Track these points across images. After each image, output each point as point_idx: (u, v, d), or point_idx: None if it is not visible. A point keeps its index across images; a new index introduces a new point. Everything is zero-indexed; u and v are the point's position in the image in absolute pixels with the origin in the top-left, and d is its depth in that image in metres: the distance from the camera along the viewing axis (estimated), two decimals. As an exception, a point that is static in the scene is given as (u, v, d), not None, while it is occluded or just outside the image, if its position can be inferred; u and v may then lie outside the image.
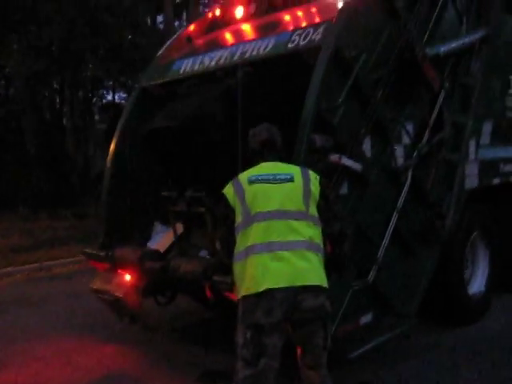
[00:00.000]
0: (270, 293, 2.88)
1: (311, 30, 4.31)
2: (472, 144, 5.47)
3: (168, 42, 6.17)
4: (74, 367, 4.95)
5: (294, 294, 2.91)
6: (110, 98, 23.63)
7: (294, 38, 4.39)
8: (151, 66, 5.92)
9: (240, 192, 3.09)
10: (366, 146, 4.34)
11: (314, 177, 3.21)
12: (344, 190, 4.15)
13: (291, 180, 3.13)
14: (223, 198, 3.16)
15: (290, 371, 3.23)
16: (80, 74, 17.15)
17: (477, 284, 5.77)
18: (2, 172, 16.27)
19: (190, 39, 6.04)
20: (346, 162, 3.99)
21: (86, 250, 5.51)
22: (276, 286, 2.88)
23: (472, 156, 5.47)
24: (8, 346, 5.58)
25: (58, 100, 22.26)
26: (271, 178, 3.12)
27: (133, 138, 5.56)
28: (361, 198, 4.29)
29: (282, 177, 3.13)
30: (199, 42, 5.99)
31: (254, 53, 4.64)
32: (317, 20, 4.78)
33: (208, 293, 4.15)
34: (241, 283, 3.02)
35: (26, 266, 9.84)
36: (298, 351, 3.13)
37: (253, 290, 2.91)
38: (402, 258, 4.74)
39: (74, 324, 6.25)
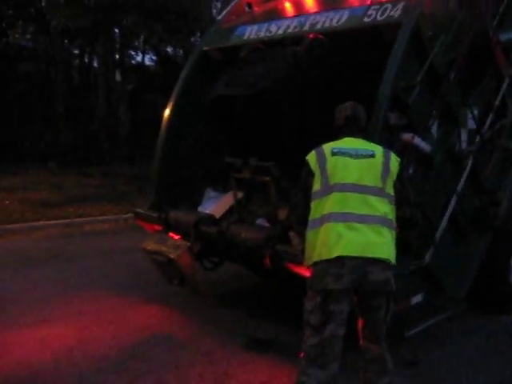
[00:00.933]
0: (340, 260, 2.97)
1: (389, 6, 4.26)
2: (531, 133, 5.43)
3: (228, 7, 6.13)
4: (120, 325, 5.03)
5: (364, 265, 2.99)
6: (138, 59, 23.59)
7: (370, 12, 4.35)
8: (212, 30, 5.90)
9: (322, 161, 3.18)
10: (434, 128, 4.33)
11: (394, 158, 3.28)
12: (410, 170, 4.15)
13: (372, 156, 3.20)
14: (305, 163, 3.24)
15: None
16: (114, 33, 17.13)
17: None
18: (31, 128, 16.37)
19: (250, 6, 5.98)
20: (418, 142, 3.99)
21: (138, 210, 5.56)
22: (347, 254, 2.97)
23: (529, 145, 5.43)
24: (51, 299, 5.67)
25: (86, 59, 22.33)
26: (353, 152, 3.20)
27: (189, 102, 5.56)
28: (425, 179, 4.29)
29: (364, 152, 3.21)
30: (260, 9, 5.91)
31: (327, 24, 4.62)
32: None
33: (267, 262, 4.20)
34: (313, 250, 3.11)
35: (58, 221, 9.96)
36: (360, 324, 3.22)
37: (325, 256, 3.01)
38: (455, 242, 4.75)
39: (114, 282, 6.33)
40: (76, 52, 23.41)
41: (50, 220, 9.98)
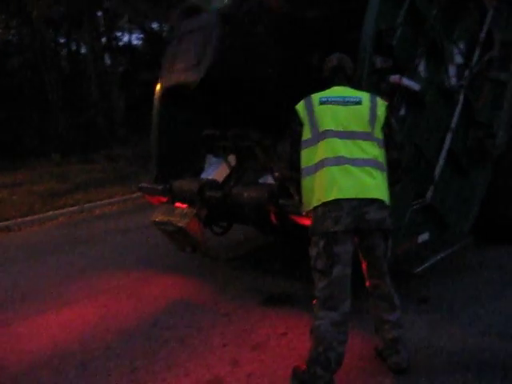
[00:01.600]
0: (337, 202, 3.10)
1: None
2: (520, 62, 5.44)
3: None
4: (139, 298, 5.16)
5: (360, 205, 3.11)
6: (125, 39, 23.45)
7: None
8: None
9: (310, 109, 3.29)
10: (422, 67, 4.36)
11: (381, 103, 3.37)
12: (402, 111, 4.20)
13: (359, 103, 3.30)
14: (294, 112, 3.34)
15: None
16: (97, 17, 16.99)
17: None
18: (28, 122, 16.41)
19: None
20: (406, 82, 4.03)
21: (143, 185, 5.65)
22: (343, 196, 3.10)
23: (520, 74, 5.45)
24: (71, 283, 5.80)
25: (74, 47, 22.22)
26: (340, 100, 3.30)
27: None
28: (418, 118, 4.34)
29: (351, 99, 3.31)
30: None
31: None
32: None
33: (273, 217, 4.30)
34: (311, 195, 3.24)
35: (67, 209, 10.09)
36: (363, 265, 3.37)
37: (322, 199, 3.14)
38: (455, 177, 4.83)
39: (130, 258, 6.47)
40: (62, 41, 23.35)
41: (60, 209, 10.11)
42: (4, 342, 4.50)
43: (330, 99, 3.30)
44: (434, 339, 3.82)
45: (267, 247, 6.21)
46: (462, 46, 4.76)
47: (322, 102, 3.29)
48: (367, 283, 3.41)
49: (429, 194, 4.47)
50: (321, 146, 3.21)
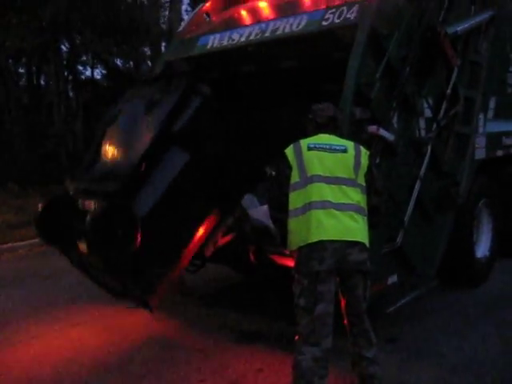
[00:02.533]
0: (322, 244, 3.27)
1: (345, 9, 4.57)
2: (481, 118, 5.86)
3: (188, 18, 6.35)
4: (112, 333, 5.18)
5: (343, 247, 3.30)
6: (88, 73, 23.48)
7: (327, 16, 4.64)
8: (174, 41, 6.11)
9: (299, 154, 3.47)
10: (395, 119, 4.65)
11: (364, 152, 3.60)
12: (377, 159, 4.46)
13: (345, 151, 3.51)
14: (283, 156, 3.50)
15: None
16: (60, 50, 17.05)
17: (482, 248, 6.19)
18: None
19: (208, 15, 6.23)
20: (383, 133, 4.29)
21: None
22: (327, 238, 3.28)
23: (481, 129, 5.87)
24: (40, 315, 5.76)
25: (34, 78, 22.09)
26: (327, 147, 3.51)
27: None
28: (390, 166, 4.60)
29: (337, 147, 3.52)
30: (218, 18, 6.17)
31: (287, 29, 4.87)
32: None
33: (251, 256, 4.44)
34: (296, 236, 3.40)
35: (27, 242, 9.92)
36: (342, 303, 3.52)
37: (308, 241, 3.29)
38: (422, 223, 5.08)
39: (97, 293, 6.38)
40: (21, 71, 23.23)
41: (19, 241, 9.93)
42: (-26, 375, 4.44)
43: (317, 146, 3.50)
44: (405, 377, 4.00)
45: (238, 285, 6.32)
46: (430, 100, 5.09)
47: (310, 148, 3.48)
48: (345, 321, 3.55)
49: (399, 238, 4.71)
50: (308, 189, 3.38)
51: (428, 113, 5.07)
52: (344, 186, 3.41)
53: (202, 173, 4.51)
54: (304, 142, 3.53)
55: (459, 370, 4.08)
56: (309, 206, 3.34)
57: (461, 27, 5.38)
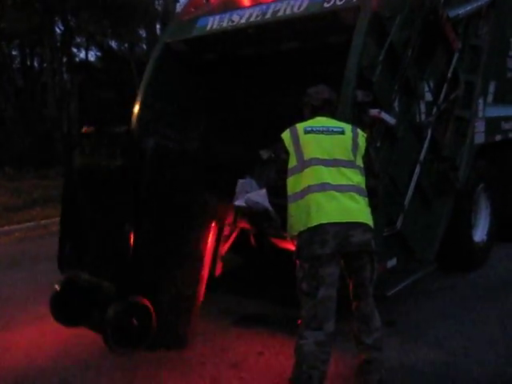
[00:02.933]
0: (323, 227, 3.24)
1: (347, -9, 4.52)
2: (480, 102, 5.86)
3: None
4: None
5: (345, 229, 3.27)
6: (82, 56, 23.31)
7: (329, -3, 4.60)
8: (174, 22, 6.05)
9: (295, 138, 3.44)
10: (396, 102, 4.63)
11: (361, 134, 3.58)
12: (378, 143, 4.45)
13: (342, 133, 3.49)
14: (280, 141, 3.48)
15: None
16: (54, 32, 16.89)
17: (479, 233, 6.22)
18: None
19: (207, -4, 6.15)
20: (384, 116, 4.28)
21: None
22: (328, 221, 3.25)
23: (480, 114, 5.86)
24: (37, 298, 5.62)
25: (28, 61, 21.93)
26: (325, 129, 3.48)
27: (157, 94, 5.70)
28: (391, 150, 4.60)
29: (335, 129, 3.50)
30: (217, 0, 6.10)
31: (288, 11, 4.83)
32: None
33: (252, 239, 4.44)
34: (297, 221, 3.37)
35: (24, 225, 9.90)
36: (350, 286, 3.50)
37: (308, 225, 3.27)
38: (422, 207, 5.10)
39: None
40: (14, 53, 23.06)
41: (15, 224, 9.91)
42: (-26, 357, 4.44)
43: (314, 129, 3.47)
44: (405, 360, 4.04)
45: (238, 268, 6.32)
46: (431, 84, 5.07)
47: (306, 131, 3.45)
48: (352, 304, 3.53)
49: (399, 222, 4.72)
50: (306, 173, 3.35)
51: (428, 96, 5.06)
52: (343, 168, 3.38)
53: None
54: (300, 126, 3.51)
55: (459, 353, 4.11)
56: (307, 190, 3.32)
57: (462, 10, 5.36)
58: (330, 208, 3.28)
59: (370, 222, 3.40)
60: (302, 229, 3.32)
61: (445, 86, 5.24)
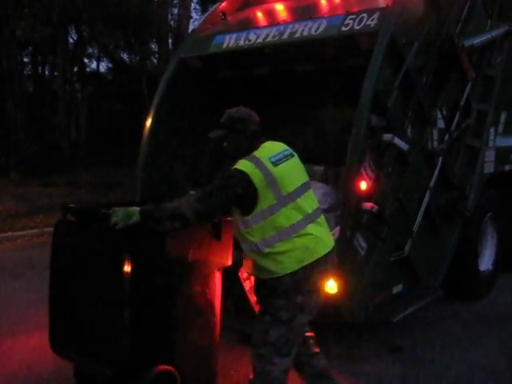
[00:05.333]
0: (323, 258, 3.12)
1: (365, 16, 4.56)
2: (491, 132, 5.87)
3: (204, 17, 6.34)
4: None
5: (331, 254, 3.20)
6: (93, 66, 23.50)
7: (347, 21, 4.63)
8: (190, 39, 6.08)
9: (269, 175, 3.02)
10: (409, 128, 4.65)
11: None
12: (389, 168, 4.46)
13: (292, 155, 3.27)
14: (244, 176, 2.99)
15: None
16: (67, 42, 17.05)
17: (485, 262, 6.20)
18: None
19: (224, 15, 6.22)
20: (397, 141, 4.29)
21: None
22: (327, 251, 3.16)
23: (491, 143, 5.87)
24: (40, 307, 5.61)
25: (39, 68, 22.11)
26: (282, 156, 3.18)
27: (170, 109, 5.73)
28: (401, 176, 4.60)
29: (286, 153, 3.23)
30: (234, 18, 6.16)
31: (305, 33, 4.86)
32: (364, 6, 5.02)
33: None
34: (289, 258, 3.07)
35: (27, 232, 9.91)
36: None
37: (310, 260, 3.07)
38: (429, 233, 5.09)
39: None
40: (26, 60, 23.27)
41: (19, 231, 9.92)
42: (-26, 363, 4.42)
43: (277, 158, 3.12)
44: (409, 387, 4.00)
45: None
46: (444, 111, 5.09)
47: (274, 163, 3.08)
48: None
49: (407, 248, 4.71)
50: (290, 208, 3.06)
51: (441, 124, 5.07)
52: (308, 192, 3.23)
53: None
54: (263, 158, 3.08)
55: (463, 382, 4.08)
56: (298, 226, 3.08)
57: (477, 40, 5.40)
58: (324, 237, 3.17)
59: None
60: (299, 265, 3.05)
61: (457, 114, 5.26)
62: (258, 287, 3.28)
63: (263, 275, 3.17)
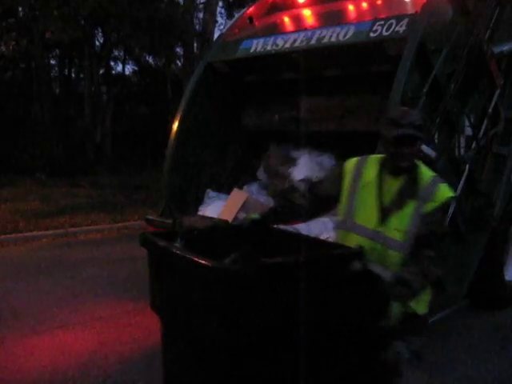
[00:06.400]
0: None
1: (394, 22, 4.54)
2: (520, 140, 5.79)
3: (232, 21, 6.38)
4: (136, 329, 5.19)
5: None
6: (119, 69, 23.73)
7: (375, 27, 4.62)
8: (217, 43, 6.13)
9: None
10: (436, 135, 4.62)
11: None
12: (416, 175, 4.42)
13: None
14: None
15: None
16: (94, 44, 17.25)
17: (511, 272, 6.11)
18: (18, 139, 16.37)
19: (251, 20, 6.24)
20: (425, 149, 4.25)
21: (150, 217, 5.70)
22: None
23: (519, 151, 5.79)
24: (64, 306, 5.82)
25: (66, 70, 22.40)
26: None
27: (196, 113, 5.78)
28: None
29: None
30: (261, 23, 6.19)
31: (333, 39, 4.87)
32: (391, 12, 5.01)
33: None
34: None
35: (51, 231, 10.02)
36: None
37: None
38: (455, 242, 5.03)
39: (121, 289, 6.47)
40: (53, 62, 23.60)
41: (44, 230, 10.04)
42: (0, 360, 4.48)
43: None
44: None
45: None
46: (472, 118, 5.05)
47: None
48: None
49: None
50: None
51: (468, 131, 5.02)
52: None
53: None
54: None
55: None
56: None
57: (506, 47, 5.35)
58: None
59: None
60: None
61: (485, 121, 5.21)
62: None
63: None
